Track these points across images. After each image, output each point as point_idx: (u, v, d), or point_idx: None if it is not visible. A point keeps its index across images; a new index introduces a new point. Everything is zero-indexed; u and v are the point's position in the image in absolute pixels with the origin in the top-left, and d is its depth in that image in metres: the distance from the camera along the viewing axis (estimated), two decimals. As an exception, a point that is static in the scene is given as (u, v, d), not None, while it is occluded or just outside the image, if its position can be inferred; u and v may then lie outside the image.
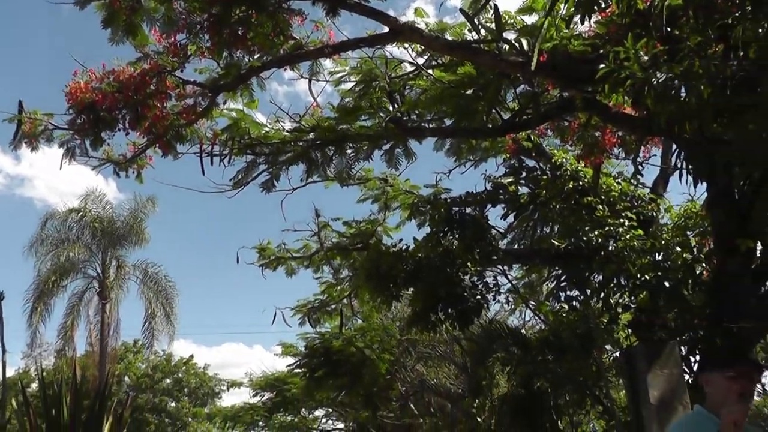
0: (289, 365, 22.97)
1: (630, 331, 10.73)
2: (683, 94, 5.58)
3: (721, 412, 4.08)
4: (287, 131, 13.19)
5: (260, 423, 33.03)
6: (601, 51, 8.39)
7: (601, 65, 6.70)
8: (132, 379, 50.99)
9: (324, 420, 36.18)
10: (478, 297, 11.89)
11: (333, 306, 19.10)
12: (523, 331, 14.31)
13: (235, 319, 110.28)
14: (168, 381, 52.67)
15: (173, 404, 52.17)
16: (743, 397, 4.23)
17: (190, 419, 50.99)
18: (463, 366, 18.80)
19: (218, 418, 37.08)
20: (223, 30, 10.22)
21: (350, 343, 18.34)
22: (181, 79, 11.35)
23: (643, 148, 12.27)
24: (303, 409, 32.64)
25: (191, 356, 54.25)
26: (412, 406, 23.69)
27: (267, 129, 13.18)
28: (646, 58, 6.30)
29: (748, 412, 4.08)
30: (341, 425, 35.95)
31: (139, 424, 47.61)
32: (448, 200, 12.58)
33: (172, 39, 10.95)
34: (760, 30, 5.18)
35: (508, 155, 14.02)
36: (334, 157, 13.61)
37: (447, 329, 14.06)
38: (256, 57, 11.00)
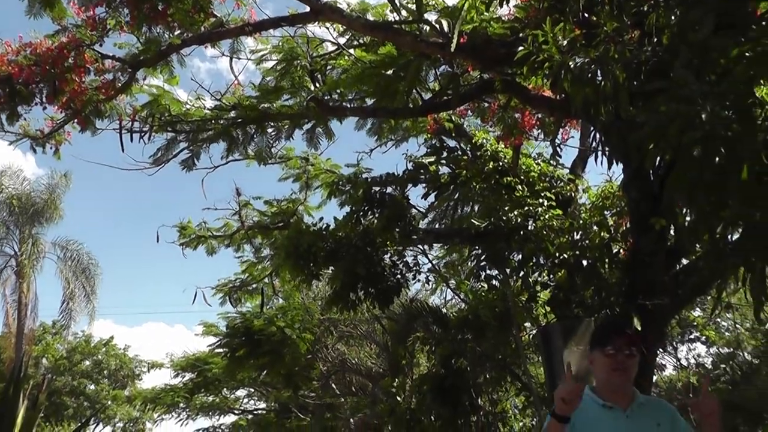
0: (210, 345, 22.85)
1: (548, 308, 10.93)
2: (599, 78, 5.72)
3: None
4: (208, 109, 13.11)
5: (181, 404, 32.72)
6: (520, 34, 8.51)
7: (520, 48, 6.81)
8: (50, 361, 49.82)
9: (245, 400, 36.11)
10: (398, 276, 11.97)
11: (254, 285, 19.03)
12: (444, 310, 14.45)
13: (157, 299, 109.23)
14: (87, 363, 51.62)
15: (92, 387, 51.10)
16: (616, 372, 4.41)
17: (109, 402, 50.11)
18: (384, 345, 18.93)
19: (138, 401, 36.61)
20: (142, 4, 10.09)
21: (271, 322, 18.31)
22: (100, 54, 11.19)
23: (561, 129, 12.49)
24: (224, 390, 32.49)
25: (111, 337, 53.17)
26: (333, 385, 23.78)
27: (188, 106, 13.07)
28: (564, 42, 6.43)
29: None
30: (263, 405, 35.91)
31: (57, 408, 46.68)
32: (369, 179, 12.62)
33: (91, 12, 10.76)
34: (673, 17, 5.33)
35: (429, 135, 14.12)
36: (255, 136, 13.57)
37: (368, 308, 14.14)
38: (176, 33, 10.91)
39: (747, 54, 4.00)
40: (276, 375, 19.27)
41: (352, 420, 24.19)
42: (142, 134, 12.72)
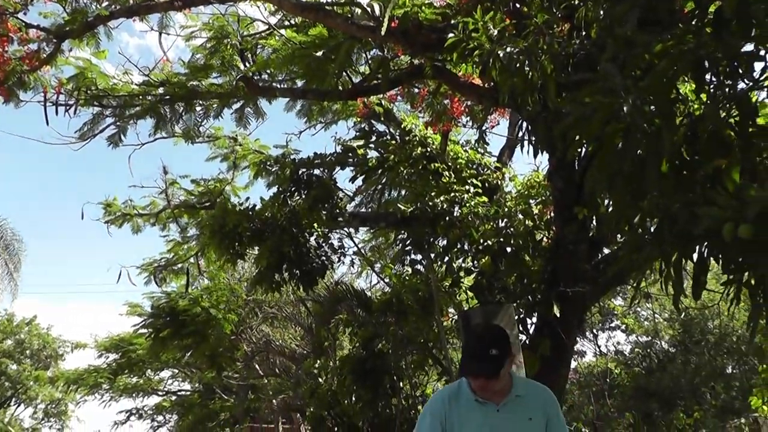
0: (134, 325, 22.66)
1: (471, 294, 11.05)
2: (528, 69, 5.80)
3: None
4: (136, 85, 12.92)
5: (104, 386, 32.42)
6: (452, 21, 8.57)
7: (451, 35, 6.87)
8: (-29, 340, 48.97)
9: (170, 381, 35.95)
10: (323, 258, 12.00)
11: (180, 265, 18.90)
12: (368, 293, 14.51)
13: (81, 277, 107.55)
14: (9, 342, 50.57)
15: (14, 367, 50.08)
16: (482, 391, 4.50)
17: (31, 383, 49.25)
18: (309, 327, 18.97)
19: (61, 381, 36.12)
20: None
21: (196, 303, 18.18)
22: (24, 23, 10.95)
23: (489, 117, 12.61)
24: (148, 371, 32.30)
25: (34, 316, 52.14)
26: (257, 366, 23.79)
27: (115, 81, 12.86)
28: (494, 31, 6.50)
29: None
30: (187, 386, 35.77)
31: (-24, 388, 45.93)
32: (297, 161, 12.61)
33: (15, -22, 10.56)
34: (601, 12, 5.43)
35: (358, 119, 14.14)
36: (183, 114, 13.43)
37: (293, 290, 14.12)
38: (104, 5, 10.73)
39: (671, 50, 4.10)
40: (200, 356, 19.15)
41: (274, 401, 24.25)
42: (68, 108, 12.48)
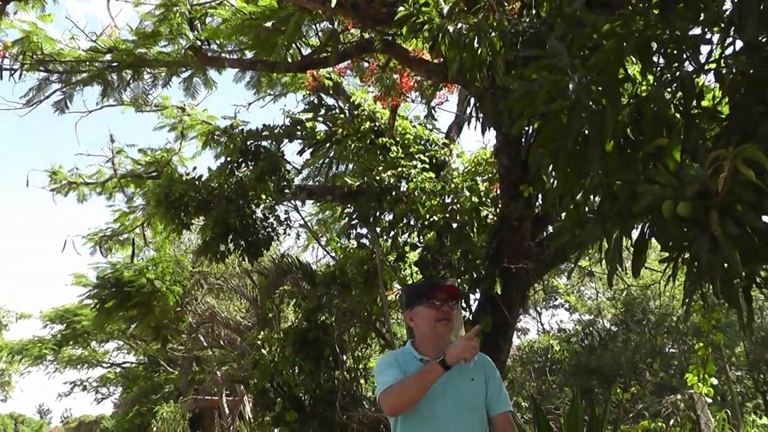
0: (79, 296, 22.41)
1: (416, 269, 11.11)
2: (477, 45, 5.83)
3: (449, 348, 4.39)
4: (83, 50, 12.76)
5: (49, 357, 32.10)
6: (403, -5, 8.57)
7: (401, 9, 6.88)
8: None
9: (114, 353, 35.71)
10: (269, 230, 11.98)
11: (125, 235, 18.72)
12: (314, 266, 14.51)
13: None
14: (-49, 312, 49.89)
15: (-43, 337, 49.48)
16: (441, 322, 4.66)
17: (-27, 354, 48.59)
18: (254, 300, 18.94)
19: (4, 352, 35.70)
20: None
21: (141, 274, 18.03)
22: (-35, -16, 10.79)
23: (438, 93, 12.65)
24: (93, 342, 32.05)
25: (-23, 286, 51.49)
26: (201, 338, 23.72)
27: (62, 46, 12.69)
28: (444, 6, 6.53)
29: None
30: (132, 358, 35.57)
31: None
32: (245, 132, 12.55)
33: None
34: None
35: (307, 92, 14.10)
36: (131, 81, 13.30)
37: (239, 262, 14.06)
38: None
39: (618, 31, 4.15)
40: (145, 327, 19.00)
41: (219, 373, 24.21)
42: (12, 72, 12.30)
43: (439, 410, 4.55)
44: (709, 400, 10.56)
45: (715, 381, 10.55)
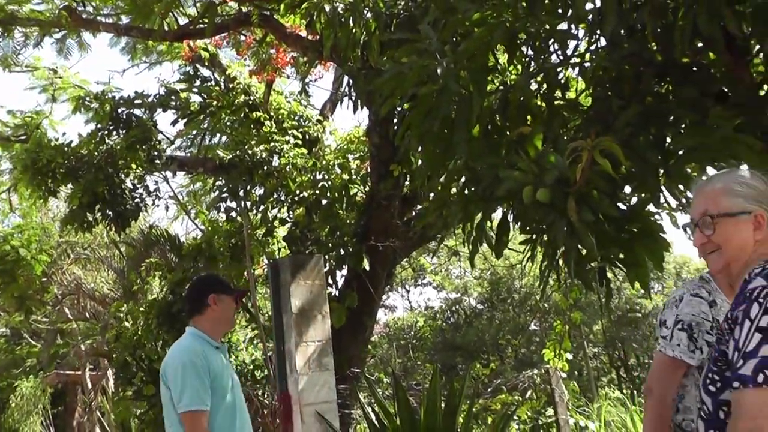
0: (-60, 263, 21.50)
1: (284, 244, 11.16)
2: (352, 25, 5.90)
3: None
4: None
5: None
6: (281, -29, 8.57)
7: (280, -16, 6.90)
8: None
9: (-25, 326, 34.51)
10: (138, 200, 11.81)
11: (-10, 202, 18.17)
12: (183, 239, 14.35)
13: None
14: None
15: None
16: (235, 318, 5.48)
17: None
18: (121, 271, 18.62)
19: None
20: None
21: (5, 241, 17.48)
22: None
23: (313, 70, 12.68)
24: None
25: None
26: (66, 310, 23.16)
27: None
28: (322, -16, 6.56)
29: None
30: (-7, 330, 34.43)
31: None
32: (118, 99, 12.31)
33: None
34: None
35: (183, 62, 13.92)
36: (0, 40, 12.90)
37: (107, 232, 13.81)
38: None
39: (488, 20, 4.28)
40: (8, 298, 18.39)
41: (83, 346, 23.69)
42: None
43: (238, 401, 5.00)
44: (564, 375, 10.98)
45: (570, 356, 11.02)
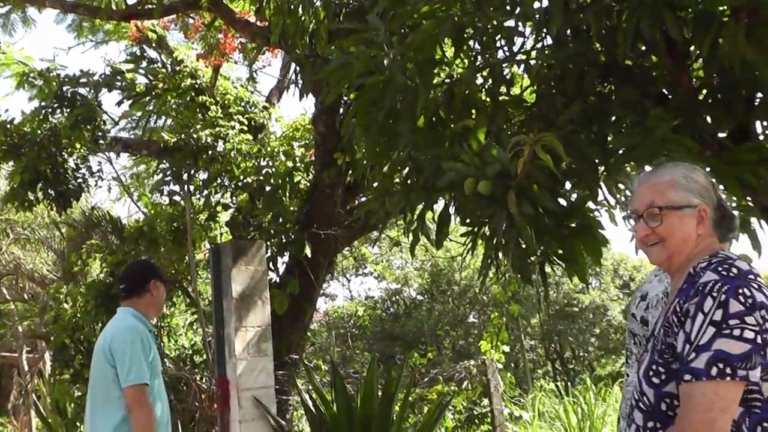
0: None
1: (227, 229, 11.15)
2: (301, 12, 5.91)
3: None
4: None
5: None
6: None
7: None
8: None
9: None
10: (81, 180, 11.68)
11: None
12: (125, 221, 14.22)
13: None
14: None
15: None
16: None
17: None
18: (61, 253, 18.41)
19: None
20: None
21: (-57, 219, 17.23)
22: None
23: (261, 57, 12.65)
24: None
25: None
26: (4, 290, 22.83)
27: None
28: (272, -29, 6.56)
29: None
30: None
31: None
32: (63, 77, 12.15)
33: None
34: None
35: (131, 42, 13.78)
36: (-60, 14, 12.70)
37: (48, 213, 13.65)
38: None
39: (437, 13, 4.33)
40: (-55, 277, 18.16)
41: (20, 328, 23.37)
42: None
43: (162, 385, 5.23)
44: (501, 366, 11.15)
45: (507, 348, 11.20)
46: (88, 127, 11.31)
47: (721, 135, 4.28)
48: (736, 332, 2.42)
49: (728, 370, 2.39)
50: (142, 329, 5.06)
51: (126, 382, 4.81)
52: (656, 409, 2.63)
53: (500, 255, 4.25)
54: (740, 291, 2.49)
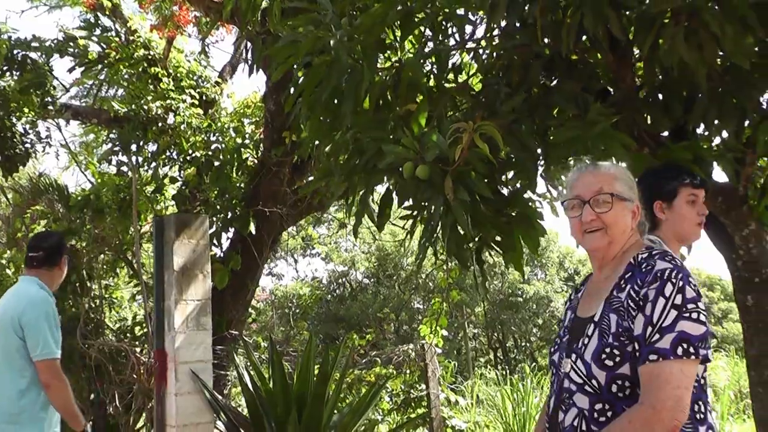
0: None
1: (173, 202, 11.11)
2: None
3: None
4: None
5: None
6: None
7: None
8: None
9: None
10: (28, 146, 11.57)
11: None
12: (72, 189, 14.09)
13: None
14: None
15: None
16: None
17: None
18: (6, 218, 18.19)
19: None
20: None
21: None
22: None
23: (215, 32, 12.61)
24: None
25: None
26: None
27: None
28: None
29: None
30: None
31: None
32: (14, 40, 12.01)
33: None
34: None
35: (84, 9, 13.64)
36: None
37: (-7, 177, 13.48)
38: None
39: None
40: None
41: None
42: None
43: None
44: (440, 351, 11.28)
45: (445, 333, 11.34)
46: (38, 92, 11.21)
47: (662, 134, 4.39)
48: (694, 315, 2.59)
49: (691, 350, 2.55)
50: (52, 302, 5.05)
51: (40, 356, 4.77)
52: (605, 391, 2.71)
53: (441, 240, 4.32)
54: (690, 279, 2.66)
